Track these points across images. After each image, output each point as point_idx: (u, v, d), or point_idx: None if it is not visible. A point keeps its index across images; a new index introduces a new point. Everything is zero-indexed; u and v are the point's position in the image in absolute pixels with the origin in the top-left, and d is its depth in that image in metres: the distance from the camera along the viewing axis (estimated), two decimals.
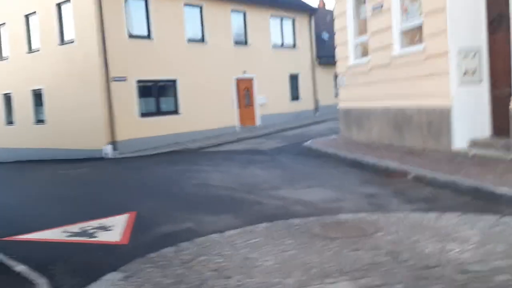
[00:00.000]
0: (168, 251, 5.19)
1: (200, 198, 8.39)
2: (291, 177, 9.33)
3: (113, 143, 16.78)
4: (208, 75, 20.01)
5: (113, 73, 16.77)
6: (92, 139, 17.12)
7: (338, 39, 14.32)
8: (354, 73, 13.31)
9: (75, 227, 6.74)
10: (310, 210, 6.68)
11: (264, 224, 5.99)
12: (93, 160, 16.58)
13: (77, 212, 8.10)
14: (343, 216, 6.14)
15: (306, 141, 14.22)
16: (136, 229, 6.48)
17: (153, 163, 14.30)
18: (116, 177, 12.06)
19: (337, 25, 14.31)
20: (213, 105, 20.17)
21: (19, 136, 20.72)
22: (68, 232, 6.54)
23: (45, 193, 10.62)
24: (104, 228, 6.63)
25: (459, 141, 9.24)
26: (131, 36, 17.57)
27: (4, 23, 21.07)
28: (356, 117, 13.11)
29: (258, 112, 22.68)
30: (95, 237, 6.23)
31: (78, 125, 17.60)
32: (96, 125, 16.92)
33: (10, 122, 21.45)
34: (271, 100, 22.98)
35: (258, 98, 22.63)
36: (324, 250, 4.81)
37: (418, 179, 7.89)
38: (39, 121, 19.73)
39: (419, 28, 10.31)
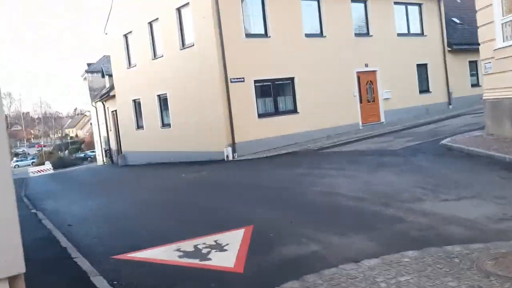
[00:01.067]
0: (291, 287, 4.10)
1: (325, 210, 7.19)
2: (435, 185, 7.65)
3: (233, 145, 16.33)
4: (327, 71, 18.69)
5: (231, 74, 16.32)
6: (213, 141, 16.89)
7: (481, 19, 12.03)
8: (503, 57, 11.00)
9: (189, 244, 5.99)
10: (471, 233, 5.10)
11: (411, 253, 4.61)
12: (214, 162, 16.31)
13: (193, 222, 7.43)
14: None
15: (443, 138, 12.19)
16: (253, 249, 5.51)
17: (272, 165, 13.45)
18: (234, 182, 11.38)
19: (479, 3, 12.04)
20: (333, 102, 18.80)
21: (148, 140, 21.47)
22: (181, 251, 5.80)
23: (165, 200, 10.26)
24: (219, 247, 5.77)
25: None
26: (248, 35, 16.98)
27: (131, 31, 22.00)
28: (509, 109, 10.80)
29: (382, 107, 20.73)
30: (208, 259, 5.38)
31: (200, 128, 17.53)
32: (217, 127, 16.64)
33: (140, 126, 22.37)
34: (396, 94, 20.87)
35: (382, 92, 20.68)
36: None
37: None
38: (165, 125, 20.18)
39: None
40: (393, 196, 7.34)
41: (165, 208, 9.13)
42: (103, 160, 32.46)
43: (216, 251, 5.66)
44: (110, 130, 27.36)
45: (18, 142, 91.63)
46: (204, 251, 5.69)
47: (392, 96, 20.74)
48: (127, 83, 23.01)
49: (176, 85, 18.85)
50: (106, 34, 24.45)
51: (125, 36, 22.51)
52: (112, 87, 24.91)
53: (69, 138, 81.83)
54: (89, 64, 45.06)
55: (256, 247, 5.60)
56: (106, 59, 33.74)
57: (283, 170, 12.24)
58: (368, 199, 7.38)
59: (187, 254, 5.64)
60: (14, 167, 59.27)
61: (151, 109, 20.91)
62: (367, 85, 20.36)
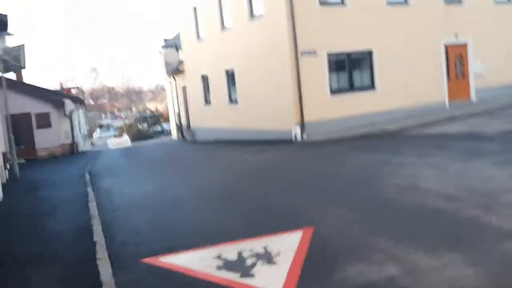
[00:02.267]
0: None
1: (407, 212, 5.70)
2: None
3: (302, 124, 14.94)
4: (410, 43, 16.55)
5: (302, 46, 14.82)
6: (281, 120, 15.63)
7: None
8: None
9: (233, 250, 4.85)
10: None
11: None
12: (281, 143, 15.07)
13: (246, 216, 6.28)
14: None
15: None
16: (309, 265, 4.24)
17: (344, 149, 11.94)
18: (299, 169, 10.06)
19: None
20: (416, 77, 16.67)
21: (215, 116, 20.68)
22: (222, 258, 4.67)
23: (222, 186, 9.22)
24: (267, 258, 4.56)
25: None
26: (322, 3, 15.29)
27: (199, 3, 21.05)
28: None
29: (474, 84, 18.18)
30: (251, 275, 4.19)
31: (267, 105, 16.32)
32: (285, 104, 15.32)
33: (208, 102, 21.61)
34: (490, 69, 18.18)
35: (474, 67, 18.09)
36: None
37: None
38: (233, 101, 19.19)
39: None
40: (495, 196, 5.71)
41: (219, 196, 8.06)
42: (177, 134, 32.45)
43: (263, 263, 4.45)
44: (181, 105, 26.99)
45: (103, 114, 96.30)
46: (249, 261, 4.51)
47: (485, 71, 18.10)
48: (196, 58, 22.27)
49: (243, 59, 17.70)
50: (176, 7, 23.79)
51: (194, 8, 21.63)
52: (182, 62, 24.31)
53: (148, 111, 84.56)
54: (165, 40, 45.30)
55: (314, 262, 4.32)
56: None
57: (357, 155, 10.71)
58: (462, 199, 5.78)
59: (227, 265, 4.49)
60: (99, 138, 62.24)
61: (218, 85, 20.00)
62: (456, 59, 17.89)
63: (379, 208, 5.98)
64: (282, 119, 15.50)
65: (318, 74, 15.23)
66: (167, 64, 34.99)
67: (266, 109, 16.38)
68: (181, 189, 9.10)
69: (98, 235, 5.80)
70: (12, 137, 13.14)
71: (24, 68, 9.77)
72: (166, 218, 6.75)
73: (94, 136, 62.74)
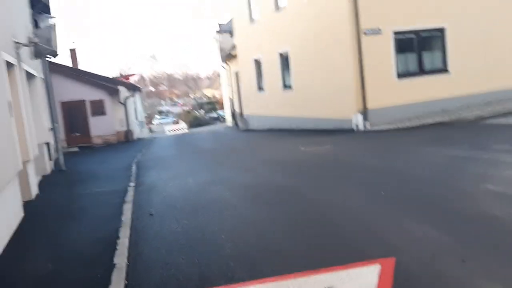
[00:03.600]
0: None
1: None
2: None
3: (364, 112, 13.29)
4: (489, 19, 14.32)
5: (364, 24, 13.10)
6: (340, 107, 14.05)
7: None
8: None
9: None
10: None
11: None
12: (340, 132, 13.51)
13: (297, 234, 4.93)
14: None
15: None
16: None
17: (414, 141, 10.24)
18: (362, 164, 8.51)
19: None
20: (496, 58, 14.46)
21: (269, 103, 19.35)
22: None
23: (272, 186, 7.90)
24: None
25: None
26: None
27: None
28: None
29: None
30: None
31: (325, 90, 14.76)
32: (345, 90, 13.71)
33: (261, 88, 20.30)
34: None
35: None
36: None
37: None
38: (287, 86, 17.75)
39: None
40: None
41: (271, 201, 6.75)
42: (231, 121, 31.52)
43: None
44: (234, 92, 25.91)
45: (163, 101, 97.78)
46: None
47: None
48: (248, 41, 20.95)
49: (299, 41, 16.17)
50: None
51: None
52: (234, 47, 23.10)
53: (205, 98, 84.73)
54: (220, 25, 44.32)
55: None
56: None
57: (431, 149, 9.00)
58: None
59: None
60: (158, 124, 62.95)
61: (272, 69, 18.60)
62: None
63: (476, 227, 4.43)
64: (342, 106, 13.92)
65: (383, 55, 13.47)
66: (221, 50, 34.01)
67: (324, 96, 14.83)
68: (229, 189, 7.87)
69: (120, 255, 4.67)
70: (57, 125, 12.46)
71: (55, 51, 8.84)
72: (206, 230, 5.53)
73: (153, 123, 63.54)
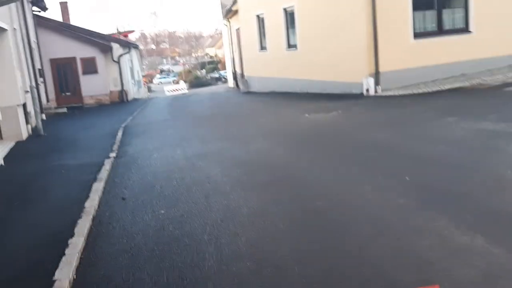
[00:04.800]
0: None
1: None
2: None
3: (376, 74, 11.89)
4: None
5: None
6: (350, 69, 12.63)
7: None
8: None
9: None
10: None
11: None
12: (349, 97, 12.18)
13: (306, 241, 3.75)
14: None
15: None
16: None
17: (431, 110, 8.93)
18: (375, 138, 7.23)
19: None
20: None
21: (272, 64, 17.85)
22: None
23: (270, 163, 6.70)
24: None
25: None
26: None
27: None
28: None
29: None
30: None
31: (333, 51, 13.29)
32: (355, 51, 12.26)
33: (264, 47, 18.73)
34: None
35: None
36: None
37: None
38: (291, 46, 16.22)
39: None
40: None
41: (263, 184, 5.56)
42: (232, 82, 30.03)
43: None
44: (235, 51, 24.30)
45: (164, 60, 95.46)
46: None
47: None
48: None
49: None
50: None
51: None
52: (235, 1, 21.28)
53: (207, 57, 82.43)
54: None
55: None
56: None
57: (452, 120, 7.68)
58: None
59: None
60: (158, 83, 61.29)
61: (275, 27, 16.98)
62: None
63: None
64: (352, 68, 12.50)
65: (398, 12, 11.94)
66: (222, 6, 32.00)
67: (332, 56, 13.37)
68: (220, 165, 6.67)
69: (66, 266, 3.50)
70: (39, 85, 11.13)
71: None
72: (186, 226, 4.35)
73: (153, 82, 61.80)
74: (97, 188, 5.76)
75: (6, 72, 9.24)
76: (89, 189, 5.70)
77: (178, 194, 5.35)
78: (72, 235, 4.12)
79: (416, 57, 12.06)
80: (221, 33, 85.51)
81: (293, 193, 4.92)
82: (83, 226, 4.35)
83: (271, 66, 17.80)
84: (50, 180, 6.44)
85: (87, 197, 5.33)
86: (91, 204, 5.08)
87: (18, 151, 8.80)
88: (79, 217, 4.62)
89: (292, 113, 11.06)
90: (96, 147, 8.99)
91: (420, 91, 11.39)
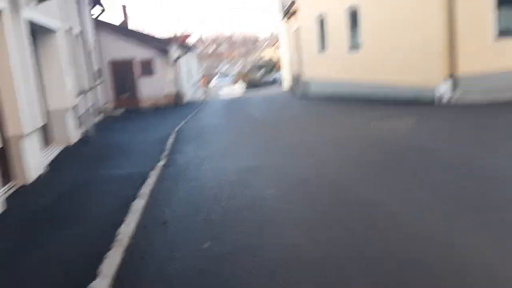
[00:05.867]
0: None
1: None
2: None
3: (452, 78, 10.46)
4: None
5: None
6: (421, 72, 11.26)
7: None
8: None
9: None
10: None
11: None
12: (420, 104, 10.83)
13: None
14: None
15: None
16: None
17: None
18: (465, 159, 5.96)
19: None
20: None
21: (331, 66, 16.68)
22: None
23: (332, 188, 5.65)
24: None
25: None
26: None
27: None
28: None
29: None
30: None
31: (401, 51, 11.95)
32: (428, 51, 10.87)
33: (323, 48, 17.58)
34: None
35: None
36: None
37: None
38: (354, 47, 14.97)
39: None
40: None
41: (327, 214, 4.53)
42: (288, 85, 29.06)
43: None
44: (293, 53, 23.30)
45: (220, 62, 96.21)
46: None
47: None
48: None
49: None
50: None
51: None
52: (294, 1, 20.27)
53: (263, 60, 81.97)
54: None
55: None
56: None
57: None
58: None
59: None
60: (214, 86, 61.47)
61: (337, 27, 15.79)
62: None
63: None
64: (423, 71, 11.12)
65: (478, 8, 10.42)
66: (282, 6, 31.06)
67: (400, 58, 12.04)
68: (277, 185, 5.71)
69: None
70: (96, 86, 10.72)
71: None
72: (235, 267, 3.43)
73: (209, 85, 62.02)
74: (137, 208, 4.98)
75: (55, 74, 8.83)
76: (127, 209, 4.93)
77: (226, 221, 4.45)
78: (94, 276, 3.30)
79: (500, 59, 10.48)
80: (277, 36, 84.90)
81: (369, 229, 3.86)
82: (111, 264, 3.53)
83: (331, 69, 16.63)
84: (87, 195, 5.76)
85: (122, 220, 4.55)
86: (126, 230, 4.29)
87: (63, 158, 8.31)
88: (109, 248, 3.82)
89: (357, 121, 9.89)
90: (145, 154, 8.34)
91: (505, 98, 9.85)
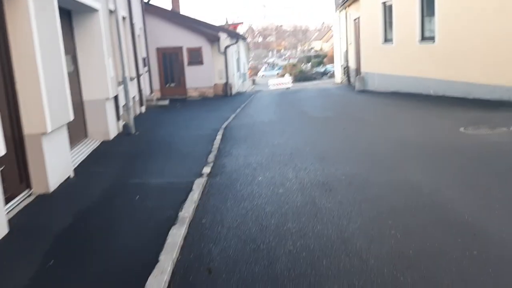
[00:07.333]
0: None
1: None
2: None
3: None
4: None
5: None
6: (510, 68, 9.42)
7: None
8: None
9: None
10: None
11: None
12: (504, 106, 9.02)
13: None
14: None
15: None
16: None
17: None
18: None
19: None
20: None
21: (397, 59, 14.87)
22: None
23: (432, 219, 4.18)
24: None
25: None
26: None
27: None
28: None
29: None
30: None
31: (488, 44, 10.09)
32: None
33: (389, 39, 15.77)
34: None
35: None
36: None
37: None
38: (426, 38, 13.11)
39: None
40: None
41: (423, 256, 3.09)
42: (341, 78, 27.27)
43: None
44: (350, 44, 21.49)
45: (270, 53, 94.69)
46: None
47: None
48: None
49: None
50: None
51: None
52: None
53: (313, 51, 79.72)
54: None
55: None
56: None
57: None
58: None
59: None
60: (262, 76, 60.19)
61: (406, 15, 13.93)
62: None
63: None
64: None
65: None
66: None
67: (484, 51, 10.18)
68: (357, 211, 4.33)
69: None
70: (141, 74, 9.64)
71: None
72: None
73: (257, 75, 60.69)
74: (174, 241, 3.73)
75: (94, 59, 7.76)
76: (162, 242, 3.69)
77: (295, 275, 3.10)
78: None
79: None
80: (329, 27, 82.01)
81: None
82: None
83: (397, 62, 14.82)
84: (114, 214, 4.57)
85: (155, 262, 3.31)
86: (157, 282, 3.04)
87: (98, 156, 7.24)
88: None
89: (439, 124, 8.23)
90: (189, 156, 7.13)
91: None
